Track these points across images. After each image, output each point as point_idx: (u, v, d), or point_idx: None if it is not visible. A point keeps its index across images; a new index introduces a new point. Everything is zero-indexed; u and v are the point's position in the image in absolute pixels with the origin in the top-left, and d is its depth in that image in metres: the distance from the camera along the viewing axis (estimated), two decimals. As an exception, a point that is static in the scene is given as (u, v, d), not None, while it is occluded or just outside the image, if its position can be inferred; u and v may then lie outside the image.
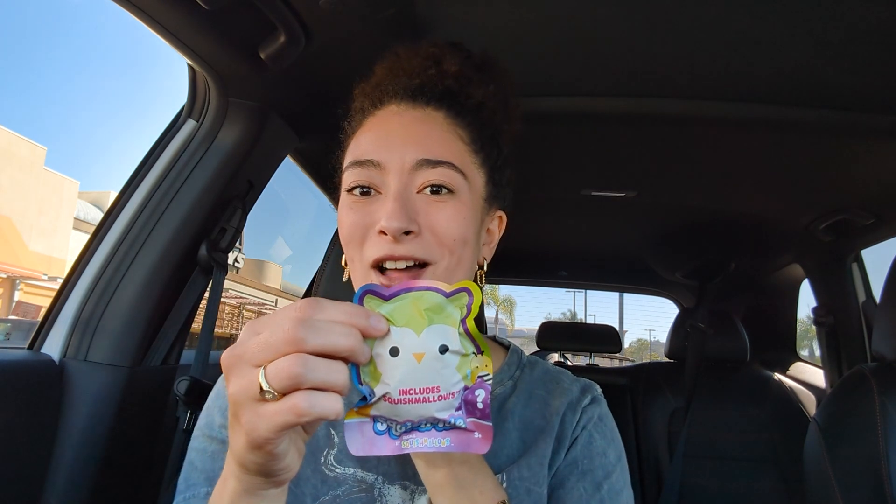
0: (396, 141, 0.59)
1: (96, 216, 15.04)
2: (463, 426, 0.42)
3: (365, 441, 0.42)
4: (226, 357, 0.39)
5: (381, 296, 0.42)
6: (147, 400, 0.98)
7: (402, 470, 0.59)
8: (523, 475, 0.59)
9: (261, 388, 0.37)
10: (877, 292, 1.71)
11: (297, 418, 0.36)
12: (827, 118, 1.09)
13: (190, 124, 1.03)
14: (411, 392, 0.41)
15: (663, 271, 2.55)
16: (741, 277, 2.34)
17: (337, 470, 0.59)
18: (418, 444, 0.42)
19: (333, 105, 0.72)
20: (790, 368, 2.24)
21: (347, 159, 0.62)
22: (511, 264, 2.58)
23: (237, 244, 1.12)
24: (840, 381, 1.15)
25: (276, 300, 16.03)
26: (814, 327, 1.97)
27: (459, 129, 0.62)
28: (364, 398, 0.42)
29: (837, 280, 1.82)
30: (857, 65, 0.93)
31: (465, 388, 0.42)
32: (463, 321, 0.42)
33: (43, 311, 1.00)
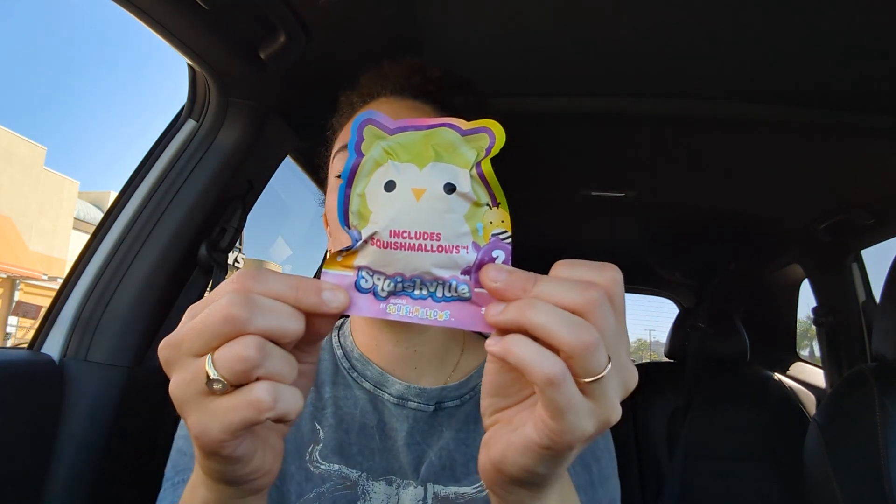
0: None
1: (96, 216, 15.04)
2: (467, 296, 0.34)
3: None
4: (162, 348, 0.33)
5: (385, 128, 0.35)
6: (147, 400, 0.97)
7: (387, 464, 0.59)
8: None
9: (208, 378, 0.31)
10: (877, 292, 1.71)
11: (257, 414, 0.30)
12: (827, 118, 1.09)
13: (190, 124, 1.03)
14: (405, 234, 0.33)
15: (663, 271, 2.55)
16: (741, 277, 2.34)
17: (322, 467, 0.58)
18: (407, 311, 0.34)
19: (334, 105, 0.72)
20: (790, 368, 2.24)
21: (337, 146, 0.64)
22: (510, 264, 2.57)
23: (237, 244, 1.12)
24: (840, 381, 1.15)
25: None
26: (814, 327, 1.97)
27: None
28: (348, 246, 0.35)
29: (837, 280, 1.81)
30: (857, 65, 0.93)
31: (476, 247, 0.34)
32: (478, 164, 0.34)
33: (43, 311, 0.99)
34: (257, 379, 0.31)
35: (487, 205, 0.35)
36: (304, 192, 1.47)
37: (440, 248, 0.33)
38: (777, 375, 1.93)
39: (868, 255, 1.80)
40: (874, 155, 1.25)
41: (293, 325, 0.32)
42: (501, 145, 0.34)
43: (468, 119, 0.66)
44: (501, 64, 1.02)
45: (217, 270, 1.06)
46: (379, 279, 0.35)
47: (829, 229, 1.65)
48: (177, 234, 0.99)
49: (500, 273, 0.33)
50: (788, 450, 1.68)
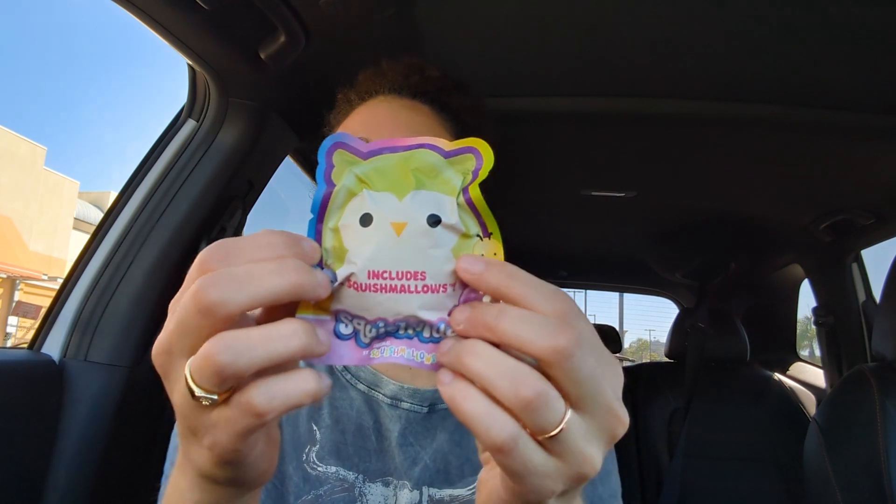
0: (387, 122, 0.60)
1: (96, 216, 15.03)
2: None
3: None
4: (155, 356, 0.29)
5: (358, 152, 0.30)
6: (147, 400, 0.97)
7: (384, 466, 0.59)
8: None
9: (192, 393, 0.27)
10: (877, 292, 1.71)
11: (258, 420, 0.27)
12: (827, 118, 1.09)
13: (190, 124, 1.03)
14: (385, 275, 0.29)
15: (663, 271, 2.55)
16: (741, 277, 2.34)
17: (319, 468, 0.58)
18: (391, 353, 0.31)
19: (333, 105, 0.72)
20: (790, 368, 2.24)
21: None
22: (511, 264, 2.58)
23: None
24: (840, 381, 1.15)
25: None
26: (814, 327, 1.97)
27: (445, 122, 0.63)
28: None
29: (837, 280, 1.81)
30: (857, 65, 0.92)
31: (465, 285, 0.30)
32: (465, 190, 0.30)
33: (43, 311, 0.99)
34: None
35: (478, 235, 0.31)
36: (304, 192, 1.47)
37: (426, 288, 0.29)
38: (777, 375, 1.93)
39: (868, 255, 1.80)
40: (874, 155, 1.24)
41: (278, 282, 0.27)
42: (490, 167, 0.30)
43: (466, 120, 0.65)
44: (501, 64, 1.02)
45: (217, 270, 1.06)
46: (360, 324, 0.30)
47: (829, 229, 1.65)
48: (177, 233, 0.99)
49: (463, 313, 0.29)
50: (788, 450, 1.68)
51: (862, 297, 1.80)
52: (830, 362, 1.88)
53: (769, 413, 1.78)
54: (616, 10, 0.85)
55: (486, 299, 0.30)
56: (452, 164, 0.30)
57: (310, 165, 1.42)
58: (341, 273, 0.29)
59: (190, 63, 0.95)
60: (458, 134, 0.64)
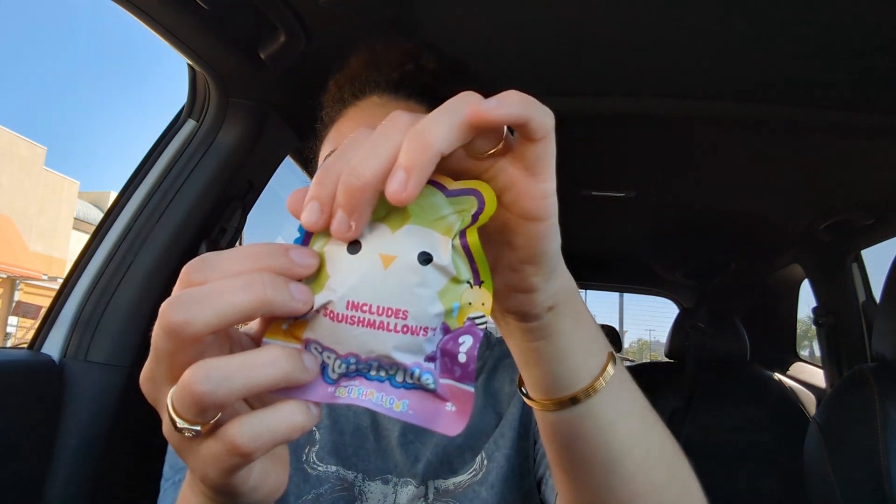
0: None
1: (96, 216, 15.04)
2: (432, 387, 0.28)
3: None
4: (143, 384, 0.28)
5: None
6: (147, 400, 0.97)
7: (383, 464, 0.59)
8: (499, 444, 0.60)
9: (175, 425, 0.25)
10: (877, 292, 1.71)
11: (243, 459, 0.25)
12: (827, 118, 1.09)
13: (190, 124, 1.03)
14: (365, 308, 0.27)
15: (663, 271, 2.55)
16: (741, 277, 2.34)
17: (319, 468, 0.58)
18: (359, 394, 0.28)
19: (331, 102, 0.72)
20: (790, 368, 2.24)
21: (328, 148, 0.62)
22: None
23: (237, 244, 1.12)
24: (840, 381, 1.15)
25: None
26: (814, 327, 1.97)
27: None
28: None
29: (837, 280, 1.82)
30: (857, 65, 0.92)
31: (446, 330, 0.28)
32: (462, 233, 0.28)
33: (43, 311, 0.99)
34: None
35: (468, 282, 0.29)
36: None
37: (405, 329, 0.27)
38: (777, 375, 1.93)
39: (868, 255, 1.80)
40: (874, 155, 1.25)
41: (250, 296, 0.24)
42: (491, 213, 0.28)
43: None
44: (501, 64, 1.02)
45: (217, 270, 1.06)
46: (329, 357, 0.28)
47: (829, 229, 1.65)
48: (177, 233, 0.99)
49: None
50: (788, 450, 1.68)
51: (862, 297, 1.80)
52: (830, 362, 1.88)
53: (769, 413, 1.78)
54: (616, 9, 0.85)
55: (462, 357, 0.28)
56: (453, 203, 0.29)
57: (310, 165, 1.42)
58: (319, 300, 0.27)
59: (190, 63, 0.95)
60: None
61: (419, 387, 0.29)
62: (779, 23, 0.84)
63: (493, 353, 0.69)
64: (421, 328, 0.27)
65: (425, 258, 0.27)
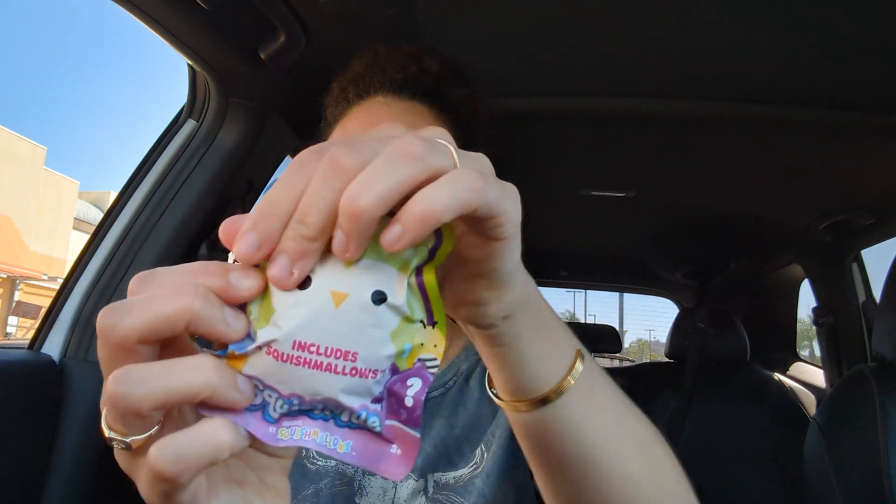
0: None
1: (96, 216, 15.05)
2: (377, 429, 0.27)
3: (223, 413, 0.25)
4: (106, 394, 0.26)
5: None
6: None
7: None
8: (495, 435, 0.60)
9: (104, 435, 0.24)
10: (877, 292, 1.71)
11: (170, 485, 0.23)
12: (827, 118, 1.09)
13: (190, 124, 1.03)
14: (312, 349, 0.25)
15: (663, 271, 2.55)
16: (741, 277, 2.34)
17: (318, 463, 0.59)
18: (302, 435, 0.27)
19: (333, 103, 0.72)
20: (790, 368, 2.24)
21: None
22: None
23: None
24: (840, 381, 1.15)
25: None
26: (814, 327, 1.97)
27: (443, 123, 0.63)
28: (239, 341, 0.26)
29: (837, 280, 1.82)
30: (857, 65, 0.93)
31: (394, 370, 0.27)
32: (419, 270, 0.27)
33: (43, 311, 1.00)
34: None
35: (422, 322, 0.27)
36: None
37: (354, 371, 0.26)
38: (777, 375, 1.93)
39: (868, 255, 1.80)
40: (874, 155, 1.25)
41: (175, 305, 0.23)
42: (448, 252, 0.27)
43: (461, 114, 0.64)
44: (502, 64, 1.02)
45: (217, 270, 1.06)
46: (271, 396, 0.26)
47: (829, 229, 1.65)
48: (177, 233, 0.99)
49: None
50: (788, 450, 1.68)
51: (862, 297, 1.80)
52: (830, 362, 1.88)
53: (769, 413, 1.78)
54: (616, 9, 0.85)
55: (409, 401, 0.27)
56: None
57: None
58: (262, 336, 0.25)
59: (190, 63, 0.95)
60: (452, 131, 0.64)
61: (364, 428, 0.27)
62: (779, 23, 0.84)
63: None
64: (370, 370, 0.26)
65: (379, 297, 0.25)
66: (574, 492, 0.37)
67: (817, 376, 2.07)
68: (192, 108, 1.04)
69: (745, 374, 1.92)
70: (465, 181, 0.23)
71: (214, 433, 0.23)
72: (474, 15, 0.89)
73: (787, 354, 2.32)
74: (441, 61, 0.66)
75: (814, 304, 1.96)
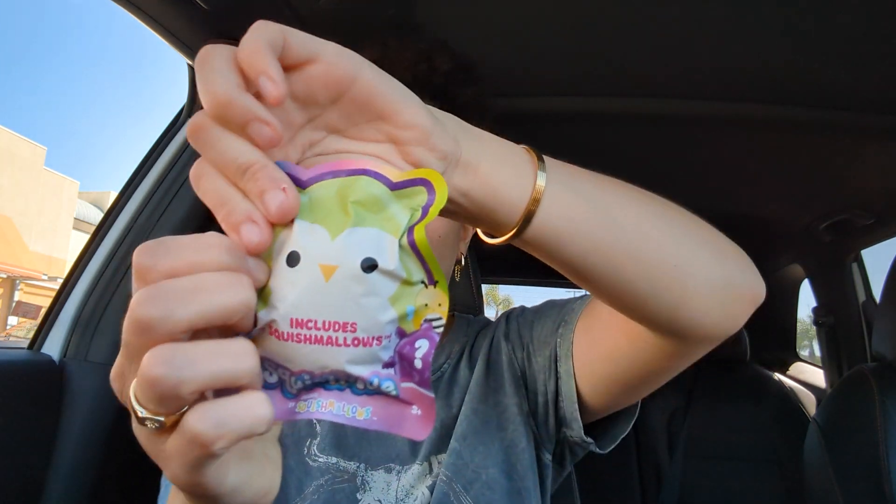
0: None
1: (96, 216, 15.04)
2: (394, 393, 0.27)
3: None
4: (112, 379, 0.27)
5: (298, 181, 0.26)
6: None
7: (385, 452, 0.59)
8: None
9: (137, 416, 0.24)
10: (877, 292, 1.71)
11: (206, 451, 0.23)
12: (827, 118, 1.09)
13: (190, 124, 1.03)
14: (310, 325, 0.25)
15: (663, 271, 2.55)
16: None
17: (320, 459, 0.59)
18: (319, 406, 0.27)
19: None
20: (790, 368, 2.24)
21: None
22: (510, 264, 2.59)
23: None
24: (840, 381, 1.15)
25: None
26: (814, 327, 1.97)
27: None
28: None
29: (837, 280, 1.82)
30: (857, 65, 0.93)
31: (402, 334, 0.27)
32: (410, 230, 0.26)
33: (43, 311, 1.00)
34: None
35: (423, 282, 0.27)
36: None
37: (356, 341, 0.25)
38: (777, 375, 1.94)
39: (868, 255, 1.80)
40: (874, 155, 1.24)
41: (241, 297, 0.23)
42: (442, 204, 0.26)
43: (470, 114, 0.65)
44: (502, 64, 1.02)
45: (217, 270, 1.06)
46: (284, 374, 0.27)
47: (829, 229, 1.65)
48: (177, 233, 0.99)
49: None
50: (788, 450, 1.68)
51: (862, 297, 1.80)
52: (830, 362, 1.88)
53: (769, 413, 1.78)
54: (617, 9, 0.85)
55: (418, 363, 0.27)
56: (399, 197, 0.26)
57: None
58: (263, 317, 0.25)
59: (190, 63, 0.95)
60: None
61: (380, 393, 0.27)
62: (780, 23, 0.84)
63: (472, 328, 0.72)
64: (373, 338, 0.26)
65: (369, 265, 0.25)
66: (610, 285, 0.40)
67: (817, 376, 2.07)
68: (192, 108, 1.04)
69: (744, 373, 1.92)
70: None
71: (255, 405, 0.23)
72: (475, 15, 0.89)
73: (787, 354, 2.32)
74: (452, 58, 0.65)
75: (814, 304, 1.96)
